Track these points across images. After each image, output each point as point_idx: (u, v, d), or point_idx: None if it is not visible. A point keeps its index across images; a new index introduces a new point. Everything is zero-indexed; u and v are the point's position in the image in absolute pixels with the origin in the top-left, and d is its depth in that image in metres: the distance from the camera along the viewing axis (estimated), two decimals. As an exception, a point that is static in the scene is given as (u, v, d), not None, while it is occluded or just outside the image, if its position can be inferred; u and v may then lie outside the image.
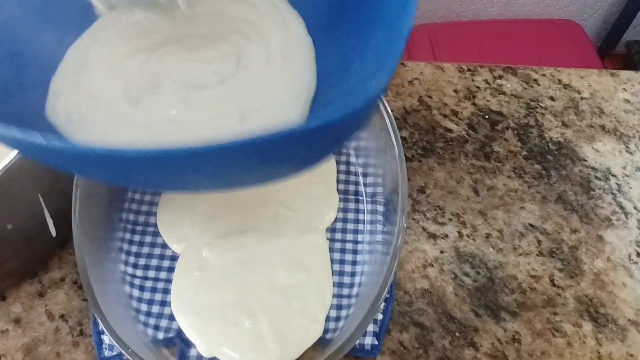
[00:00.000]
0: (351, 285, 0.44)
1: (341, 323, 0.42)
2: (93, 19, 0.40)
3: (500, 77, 0.60)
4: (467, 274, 0.47)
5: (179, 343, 0.41)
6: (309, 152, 0.27)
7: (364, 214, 0.47)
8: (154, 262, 0.45)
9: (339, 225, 0.47)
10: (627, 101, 0.59)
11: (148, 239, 0.46)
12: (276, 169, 0.29)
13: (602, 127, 0.57)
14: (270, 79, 0.37)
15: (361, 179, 0.49)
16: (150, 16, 0.40)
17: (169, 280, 0.44)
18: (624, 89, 0.60)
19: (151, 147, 0.21)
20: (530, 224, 0.49)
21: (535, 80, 0.60)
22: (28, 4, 0.37)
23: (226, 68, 0.37)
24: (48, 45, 0.38)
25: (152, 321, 0.42)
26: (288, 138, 0.22)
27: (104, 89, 0.36)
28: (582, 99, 0.59)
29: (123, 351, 0.36)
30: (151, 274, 0.44)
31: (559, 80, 0.60)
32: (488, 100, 0.57)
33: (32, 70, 0.36)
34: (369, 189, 0.48)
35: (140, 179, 0.29)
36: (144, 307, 0.43)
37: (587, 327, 0.45)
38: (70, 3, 0.39)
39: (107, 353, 0.41)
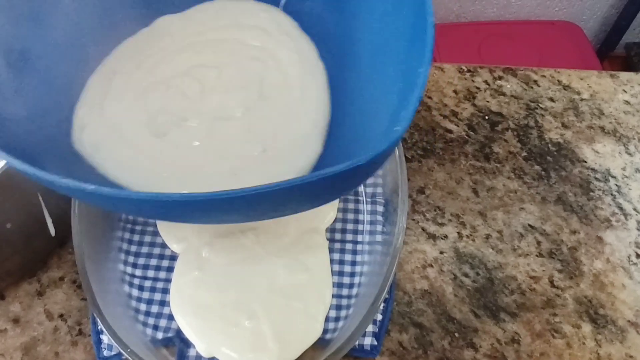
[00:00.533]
0: (351, 286, 0.44)
1: (341, 323, 0.42)
2: (109, 47, 0.40)
3: (500, 78, 0.60)
4: (466, 275, 0.47)
5: (178, 343, 0.41)
6: (333, 192, 0.30)
7: (363, 214, 0.47)
8: (154, 261, 0.45)
9: (338, 225, 0.47)
10: (626, 102, 0.59)
11: (147, 238, 0.46)
12: (301, 206, 0.32)
13: (602, 128, 0.57)
14: (291, 108, 0.38)
15: (361, 180, 0.49)
16: (169, 44, 0.41)
17: (168, 280, 0.44)
18: (623, 90, 0.60)
19: (205, 194, 0.24)
20: (529, 225, 0.49)
21: (535, 81, 0.60)
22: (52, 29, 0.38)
23: (249, 98, 0.38)
24: (68, 71, 0.38)
25: (151, 321, 0.42)
26: (318, 181, 0.24)
27: (128, 121, 0.37)
28: (581, 100, 0.59)
29: (122, 351, 0.35)
30: (150, 273, 0.44)
31: (558, 81, 0.60)
32: (488, 101, 0.57)
33: (52, 98, 0.36)
34: (369, 190, 0.48)
35: (183, 218, 0.33)
36: (143, 306, 0.43)
37: (587, 328, 0.45)
38: (89, 29, 0.39)
39: (106, 353, 0.41)
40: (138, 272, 0.44)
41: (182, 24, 0.42)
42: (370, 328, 0.43)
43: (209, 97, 0.38)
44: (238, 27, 0.41)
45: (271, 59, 0.39)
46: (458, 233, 0.49)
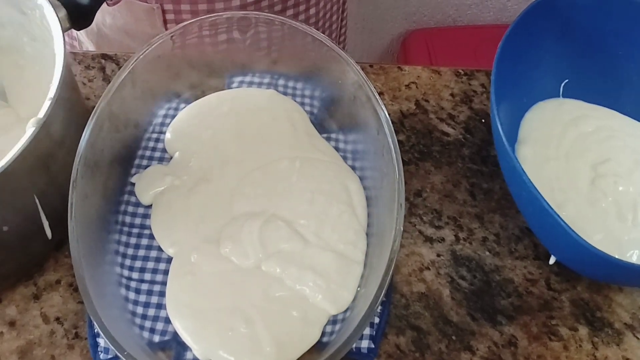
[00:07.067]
0: (348, 289, 0.44)
1: (338, 326, 0.42)
2: None
3: (497, 81, 0.60)
4: (463, 278, 0.47)
5: (175, 346, 0.41)
6: None
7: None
8: (150, 264, 0.45)
9: (335, 228, 0.46)
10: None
11: (144, 241, 0.46)
12: None
13: (598, 131, 0.57)
14: None
15: (358, 182, 0.49)
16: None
17: (165, 283, 0.44)
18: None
19: None
20: (526, 228, 0.50)
21: (532, 84, 0.60)
22: None
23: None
24: None
25: (148, 324, 0.42)
26: None
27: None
28: (578, 103, 0.59)
29: (119, 354, 0.35)
30: (147, 276, 0.44)
31: (555, 84, 0.60)
32: (485, 104, 0.57)
33: None
34: (366, 193, 0.48)
35: None
36: (140, 310, 0.43)
37: (583, 330, 0.45)
38: None
39: (102, 356, 0.41)
40: (135, 275, 0.44)
41: None
42: (367, 331, 0.43)
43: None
44: None
45: None
46: (455, 236, 0.49)
